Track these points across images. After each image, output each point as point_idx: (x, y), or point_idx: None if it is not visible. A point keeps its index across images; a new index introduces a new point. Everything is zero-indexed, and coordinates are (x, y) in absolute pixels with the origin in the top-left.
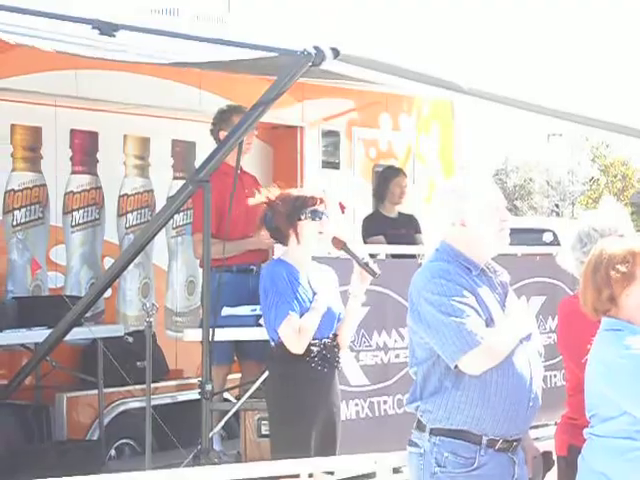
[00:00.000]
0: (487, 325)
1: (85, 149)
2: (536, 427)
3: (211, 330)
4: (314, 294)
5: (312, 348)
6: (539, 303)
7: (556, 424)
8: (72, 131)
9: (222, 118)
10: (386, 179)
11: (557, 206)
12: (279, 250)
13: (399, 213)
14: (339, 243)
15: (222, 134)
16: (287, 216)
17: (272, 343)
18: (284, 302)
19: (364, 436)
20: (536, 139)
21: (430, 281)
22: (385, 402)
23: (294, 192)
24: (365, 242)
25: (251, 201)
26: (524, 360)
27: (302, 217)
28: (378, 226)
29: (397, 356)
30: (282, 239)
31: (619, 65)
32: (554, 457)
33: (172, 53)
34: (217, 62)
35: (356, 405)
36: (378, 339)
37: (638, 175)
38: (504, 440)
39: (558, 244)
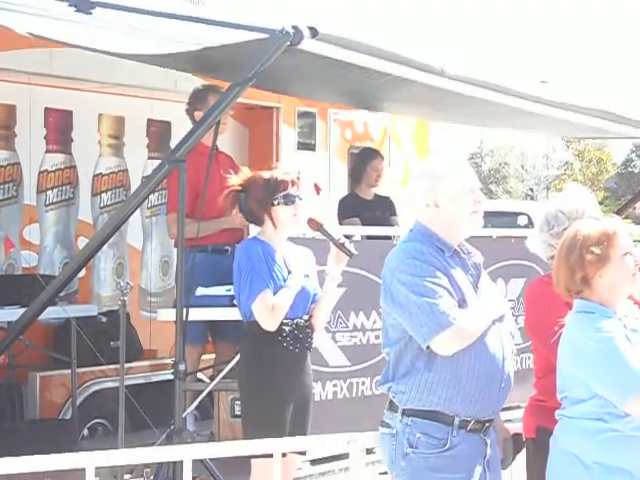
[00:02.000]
0: (460, 306)
1: (59, 128)
2: (508, 409)
3: (185, 310)
4: (289, 272)
5: (284, 327)
6: (520, 285)
7: None
8: (46, 109)
9: (198, 98)
10: (363, 161)
11: (532, 190)
12: (254, 230)
13: (375, 195)
14: (315, 224)
15: (197, 114)
16: (260, 201)
17: (244, 321)
18: (258, 279)
19: (341, 417)
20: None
21: (403, 261)
22: (364, 383)
23: (265, 175)
24: (341, 224)
25: (228, 183)
26: (496, 341)
27: (275, 202)
28: (354, 208)
29: (376, 337)
30: (257, 222)
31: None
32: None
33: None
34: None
35: (334, 386)
36: (355, 320)
37: (612, 160)
38: (476, 421)
39: (533, 227)
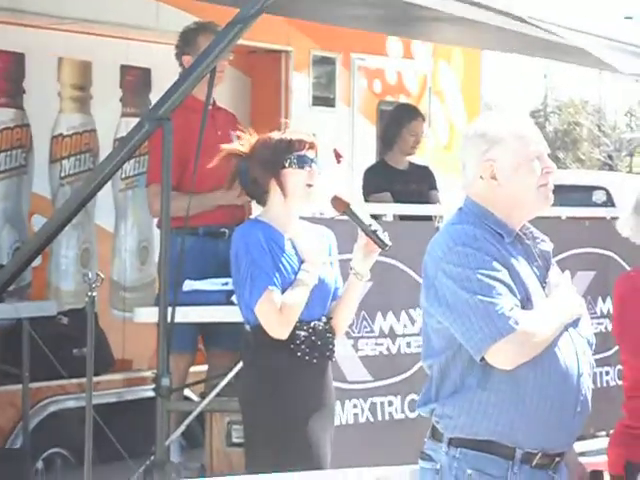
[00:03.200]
0: (523, 306)
1: (8, 75)
2: (583, 439)
3: (170, 309)
4: (301, 263)
5: (298, 333)
6: (587, 280)
7: (609, 435)
8: None
9: (187, 39)
10: (398, 121)
11: (610, 157)
12: (258, 209)
13: (410, 164)
14: (341, 204)
15: (187, 59)
16: (266, 163)
17: (247, 326)
18: (262, 273)
19: (364, 445)
20: (584, 71)
21: (451, 249)
22: (391, 403)
23: (276, 135)
24: (367, 200)
25: (226, 147)
26: (570, 352)
27: (286, 164)
28: (384, 180)
29: (408, 345)
30: (261, 196)
31: None
32: (606, 477)
33: None
34: None
35: (354, 406)
36: (383, 323)
37: None
38: (543, 454)
39: (613, 205)
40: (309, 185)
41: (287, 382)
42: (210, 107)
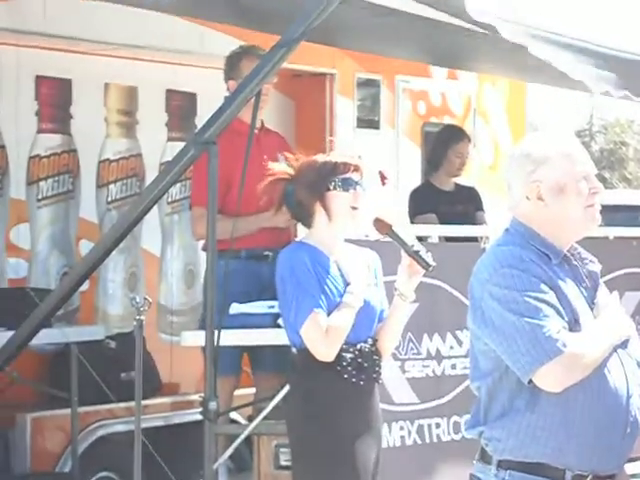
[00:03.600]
0: (571, 328)
1: (55, 101)
2: (634, 460)
3: (216, 332)
4: (346, 285)
5: (344, 355)
6: (636, 300)
7: None
8: (37, 77)
9: (232, 64)
10: (444, 143)
11: None
12: (303, 231)
13: (456, 185)
14: (384, 226)
15: (232, 84)
16: (311, 186)
17: (293, 349)
18: (307, 296)
19: (411, 468)
20: None
21: (497, 271)
22: (438, 425)
23: (320, 158)
24: (412, 221)
25: (269, 170)
26: (619, 373)
27: (330, 187)
28: (429, 201)
29: (453, 367)
30: (306, 219)
31: None
32: None
33: None
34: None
35: (401, 429)
36: (429, 345)
37: None
38: (594, 476)
39: None
40: (354, 207)
41: (334, 404)
42: (257, 130)
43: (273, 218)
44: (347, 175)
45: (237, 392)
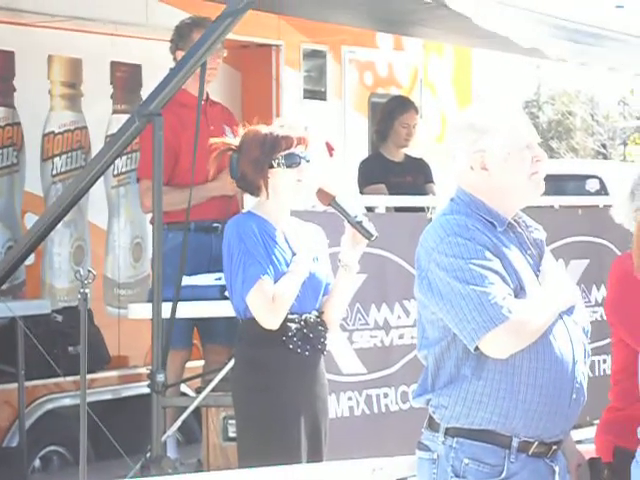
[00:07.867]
0: (516, 295)
1: None
2: (580, 427)
3: (164, 304)
4: (293, 254)
5: (290, 325)
6: (581, 268)
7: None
8: None
9: (181, 34)
10: (391, 114)
11: (604, 146)
12: (250, 202)
13: (406, 156)
14: (326, 197)
15: (180, 54)
16: (255, 162)
17: (239, 318)
18: (254, 263)
19: (360, 438)
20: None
21: (443, 240)
22: (386, 395)
23: (264, 130)
24: (362, 192)
25: (212, 142)
26: (565, 340)
27: (274, 164)
28: (379, 172)
29: (401, 336)
30: (251, 189)
31: None
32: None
33: None
34: None
35: (349, 399)
36: (377, 315)
37: None
38: (540, 442)
39: (607, 194)
40: (299, 180)
41: (278, 375)
42: (203, 102)
43: (221, 186)
44: (291, 150)
45: (188, 365)
